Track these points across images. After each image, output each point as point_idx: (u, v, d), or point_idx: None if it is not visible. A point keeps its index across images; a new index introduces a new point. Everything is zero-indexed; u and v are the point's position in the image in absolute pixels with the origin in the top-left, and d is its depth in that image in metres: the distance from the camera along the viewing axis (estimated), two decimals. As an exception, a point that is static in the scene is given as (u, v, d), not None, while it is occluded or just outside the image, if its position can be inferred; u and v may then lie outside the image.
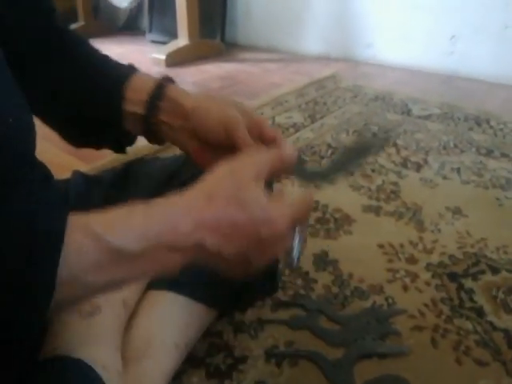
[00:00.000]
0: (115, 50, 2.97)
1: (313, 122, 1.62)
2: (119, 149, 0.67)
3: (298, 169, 0.58)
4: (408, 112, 1.67)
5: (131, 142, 0.67)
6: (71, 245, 0.37)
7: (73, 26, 3.40)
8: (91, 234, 0.39)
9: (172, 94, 0.60)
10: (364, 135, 0.59)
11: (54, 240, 0.36)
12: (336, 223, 1.04)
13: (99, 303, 0.58)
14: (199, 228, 0.42)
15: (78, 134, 0.66)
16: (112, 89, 0.61)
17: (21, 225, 0.35)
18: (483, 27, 2.05)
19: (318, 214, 1.07)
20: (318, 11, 2.55)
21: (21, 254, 0.35)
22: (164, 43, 3.03)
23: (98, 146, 0.68)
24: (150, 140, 0.63)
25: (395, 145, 1.41)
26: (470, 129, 1.52)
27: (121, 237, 0.40)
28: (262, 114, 1.71)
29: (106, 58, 0.67)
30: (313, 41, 2.65)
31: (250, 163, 0.48)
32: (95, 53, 0.67)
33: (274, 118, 1.67)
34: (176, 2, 2.54)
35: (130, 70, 0.63)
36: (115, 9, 3.17)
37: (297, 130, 1.56)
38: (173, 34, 2.85)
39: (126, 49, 3.02)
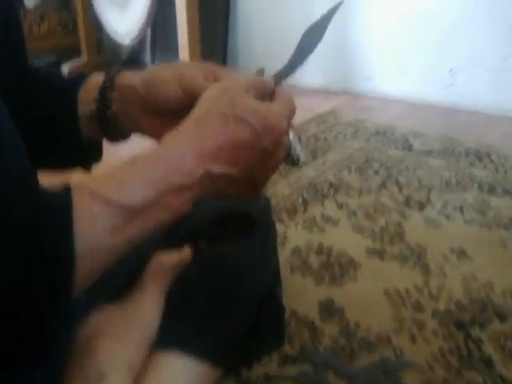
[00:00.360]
0: (117, 85, 3.00)
1: (314, 159, 1.63)
2: (86, 164, 0.66)
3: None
4: (409, 147, 1.68)
5: (97, 155, 0.66)
6: (82, 215, 0.37)
7: (75, 62, 3.45)
8: (99, 198, 0.39)
9: (122, 81, 0.60)
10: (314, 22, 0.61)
11: (64, 213, 0.36)
12: (341, 268, 1.03)
13: (105, 370, 0.58)
14: (203, 160, 0.42)
15: (42, 154, 0.66)
16: (66, 97, 0.62)
17: (27, 204, 0.35)
18: (482, 59, 2.07)
19: (323, 258, 1.07)
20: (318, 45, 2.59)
21: (32, 233, 0.34)
22: (165, 77, 3.07)
23: (65, 162, 0.67)
24: (110, 138, 0.63)
25: (397, 182, 1.41)
26: (472, 164, 1.53)
27: (128, 193, 0.40)
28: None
29: (57, 76, 0.68)
30: (312, 73, 2.68)
31: (237, 80, 0.49)
32: (54, 75, 0.68)
33: (275, 154, 1.68)
34: (178, 38, 2.58)
35: (85, 76, 0.64)
36: (118, 44, 3.22)
37: (298, 168, 1.56)
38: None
39: (128, 84, 3.05)
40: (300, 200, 1.34)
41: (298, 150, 0.50)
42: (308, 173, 1.52)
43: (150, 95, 0.58)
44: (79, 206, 0.37)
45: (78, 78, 0.65)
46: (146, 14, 2.76)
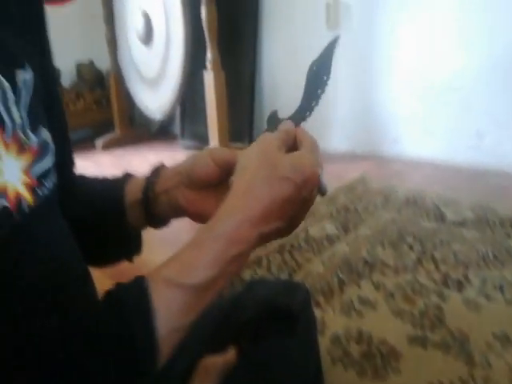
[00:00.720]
0: (150, 157, 3.12)
1: (346, 233, 1.64)
2: (130, 256, 0.71)
3: (271, 121, 0.61)
4: (442, 217, 1.68)
5: (139, 246, 0.71)
6: (159, 302, 0.42)
7: (109, 136, 3.60)
8: (171, 283, 0.44)
9: (167, 175, 0.65)
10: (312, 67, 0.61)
11: (144, 305, 0.42)
12: (383, 359, 1.02)
13: None
14: (256, 226, 0.47)
15: (91, 253, 0.70)
16: (113, 194, 0.67)
17: (111, 308, 0.41)
18: (508, 121, 2.08)
19: (363, 347, 1.06)
20: (343, 109, 2.65)
21: (119, 332, 0.40)
22: (196, 148, 3.17)
23: (112, 257, 0.72)
24: (153, 224, 0.67)
25: (433, 259, 1.41)
26: (508, 235, 1.51)
27: (196, 274, 0.45)
28: (296, 225, 1.74)
29: (103, 179, 0.73)
30: (338, 139, 2.73)
31: (267, 141, 0.52)
32: (95, 180, 0.73)
33: (307, 229, 1.70)
34: (207, 110, 2.69)
35: (127, 176, 0.69)
36: (149, 119, 3.35)
37: (331, 243, 1.57)
38: (204, 140, 2.98)
39: (160, 156, 3.15)
40: (335, 280, 1.34)
41: (324, 181, 0.53)
42: (341, 248, 1.53)
43: (187, 173, 0.63)
44: (155, 294, 0.43)
45: (122, 180, 0.70)
46: (177, 91, 2.88)
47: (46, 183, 0.48)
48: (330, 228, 1.69)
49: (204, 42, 2.62)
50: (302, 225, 1.64)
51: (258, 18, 3.01)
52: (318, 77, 0.61)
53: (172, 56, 2.89)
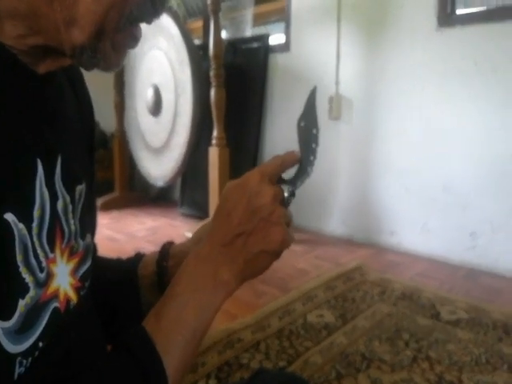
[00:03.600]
0: (148, 223, 3.16)
1: (344, 324, 1.67)
2: None
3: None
4: (437, 316, 1.73)
5: None
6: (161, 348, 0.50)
7: (108, 197, 3.66)
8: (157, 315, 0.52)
9: (175, 250, 0.72)
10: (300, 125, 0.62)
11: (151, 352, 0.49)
12: None
13: None
14: (213, 241, 0.54)
15: (108, 327, 0.73)
16: (128, 276, 0.73)
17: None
18: (502, 225, 2.18)
19: None
20: (342, 196, 2.75)
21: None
22: (194, 216, 3.23)
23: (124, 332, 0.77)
24: None
25: (428, 358, 1.44)
26: (500, 339, 1.56)
27: (174, 295, 0.53)
28: (294, 309, 1.78)
29: (117, 260, 0.79)
30: (336, 223, 2.81)
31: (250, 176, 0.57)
32: (108, 260, 0.79)
33: (305, 315, 1.74)
34: (209, 185, 2.77)
35: (138, 256, 0.76)
36: (150, 184, 3.43)
37: (329, 333, 1.61)
38: (203, 209, 3.04)
39: (159, 222, 3.20)
40: (333, 373, 1.37)
41: (288, 187, 0.58)
42: (339, 339, 1.56)
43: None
44: (150, 329, 0.51)
45: (135, 258, 0.77)
46: (181, 162, 2.98)
47: (86, 283, 0.55)
48: (328, 316, 1.73)
49: (209, 116, 2.74)
50: (300, 310, 1.67)
51: (264, 101, 3.17)
52: (307, 132, 0.63)
53: (178, 129, 3.02)
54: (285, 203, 0.57)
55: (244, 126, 3.20)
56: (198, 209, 3.27)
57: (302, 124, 0.64)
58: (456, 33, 2.30)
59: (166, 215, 3.43)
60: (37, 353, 0.44)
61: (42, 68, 0.48)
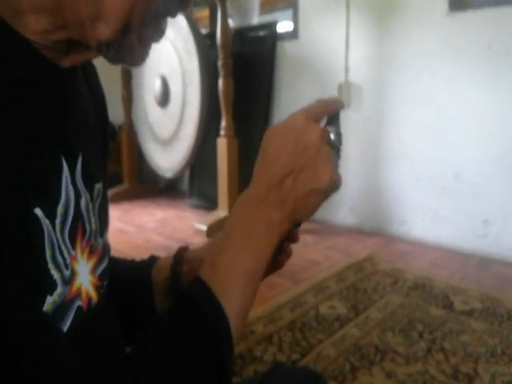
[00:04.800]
0: (158, 214, 3.16)
1: (357, 315, 1.67)
2: None
3: None
4: (450, 306, 1.72)
5: None
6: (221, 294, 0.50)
7: (117, 189, 3.66)
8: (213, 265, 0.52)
9: (190, 256, 0.72)
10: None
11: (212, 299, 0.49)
12: None
13: None
14: (262, 182, 0.53)
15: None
16: (142, 280, 0.72)
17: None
18: (514, 214, 2.16)
19: None
20: (352, 185, 2.73)
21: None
22: (203, 207, 3.22)
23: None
24: None
25: (443, 349, 1.43)
26: (515, 330, 1.55)
27: (226, 246, 0.53)
28: (306, 301, 1.78)
29: (130, 261, 0.79)
30: (346, 212, 2.80)
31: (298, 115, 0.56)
32: (122, 261, 0.79)
33: (317, 307, 1.73)
34: (218, 176, 2.76)
35: (152, 260, 0.75)
36: (158, 175, 3.43)
37: (342, 325, 1.60)
38: (211, 200, 3.04)
39: (168, 214, 3.20)
40: (347, 365, 1.37)
41: (335, 129, 0.57)
42: (352, 331, 1.55)
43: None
44: (215, 288, 0.50)
45: (149, 261, 0.76)
46: (189, 154, 2.97)
47: (104, 282, 0.55)
48: (340, 307, 1.72)
49: (217, 106, 2.73)
50: (312, 301, 1.66)
51: (271, 90, 3.14)
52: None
53: (187, 120, 3.00)
54: (332, 144, 0.56)
55: (252, 115, 3.18)
56: (206, 200, 3.26)
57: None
58: (468, 17, 2.26)
59: (174, 206, 3.42)
60: None
61: (67, 62, 0.47)
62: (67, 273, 0.44)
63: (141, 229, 2.83)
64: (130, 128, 3.70)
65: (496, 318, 1.62)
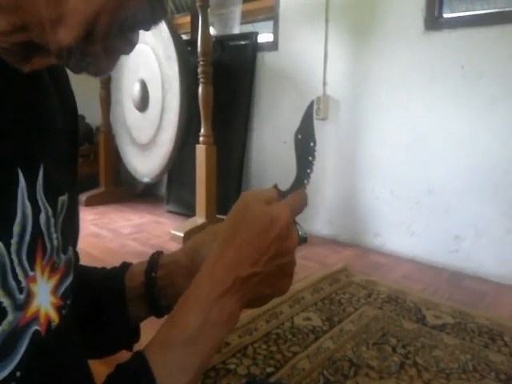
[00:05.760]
0: (134, 220, 3.13)
1: (331, 327, 1.67)
2: (129, 347, 0.74)
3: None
4: (423, 320, 1.74)
5: (137, 335, 0.75)
6: (159, 368, 0.48)
7: (93, 192, 3.61)
8: (164, 346, 0.50)
9: (165, 260, 0.71)
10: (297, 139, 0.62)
11: (146, 377, 0.47)
12: None
13: None
14: (230, 267, 0.52)
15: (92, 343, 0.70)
16: (114, 287, 0.71)
17: None
18: (486, 230, 2.20)
19: None
20: (328, 195, 2.75)
21: None
22: (180, 214, 3.21)
23: (111, 346, 0.75)
24: (156, 314, 0.72)
25: (416, 364, 1.45)
26: (485, 346, 1.57)
27: (184, 328, 0.50)
28: (281, 312, 1.78)
29: (101, 269, 0.77)
30: (322, 223, 2.82)
31: (247, 194, 0.57)
32: (92, 269, 0.77)
33: (293, 318, 1.74)
34: (196, 183, 2.74)
35: (124, 266, 0.74)
36: (135, 179, 3.39)
37: (317, 337, 1.61)
38: (189, 207, 3.02)
39: (145, 219, 3.17)
40: (322, 379, 1.37)
41: (302, 230, 0.57)
42: (326, 343, 1.56)
43: (193, 262, 0.68)
44: (154, 363, 0.48)
45: (121, 268, 0.75)
46: (167, 159, 2.95)
47: (67, 301, 0.51)
48: (316, 319, 1.73)
49: (197, 113, 2.72)
50: (287, 312, 1.67)
51: (251, 99, 3.15)
52: (304, 145, 0.63)
53: (165, 126, 2.98)
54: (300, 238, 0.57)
55: (231, 123, 3.18)
56: (184, 207, 3.25)
57: (300, 137, 0.63)
58: (443, 37, 2.31)
59: (151, 212, 3.39)
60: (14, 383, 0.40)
61: (28, 67, 0.45)
62: (21, 297, 0.41)
63: (116, 234, 2.80)
64: (108, 130, 3.66)
65: (467, 334, 1.65)
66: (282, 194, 0.59)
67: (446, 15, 2.39)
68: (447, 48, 2.29)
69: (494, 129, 2.15)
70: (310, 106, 0.65)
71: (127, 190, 3.84)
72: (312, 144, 0.63)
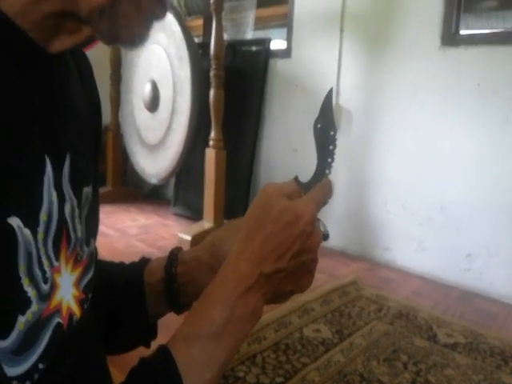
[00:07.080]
0: (141, 220, 3.11)
1: (341, 340, 1.65)
2: (147, 343, 0.72)
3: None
4: (434, 338, 1.71)
5: (155, 332, 0.73)
6: (184, 362, 0.46)
7: (100, 190, 3.57)
8: (190, 339, 0.48)
9: (185, 256, 0.70)
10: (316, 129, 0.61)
11: (171, 372, 0.46)
12: None
13: None
14: (254, 263, 0.50)
15: (112, 338, 0.70)
16: (133, 283, 0.70)
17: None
18: (498, 250, 2.17)
19: None
20: (339, 207, 2.72)
21: None
22: (187, 217, 3.18)
23: (129, 342, 0.73)
24: (176, 311, 0.71)
25: (427, 382, 1.42)
26: (498, 367, 1.54)
27: (209, 322, 0.49)
28: (290, 322, 1.75)
29: (120, 264, 0.76)
30: (331, 234, 2.77)
31: (268, 188, 0.56)
32: (110, 263, 0.76)
33: (302, 329, 1.71)
34: (205, 186, 2.72)
35: (144, 261, 0.73)
36: (143, 180, 3.37)
37: (327, 349, 1.58)
38: (196, 210, 3.00)
39: (151, 221, 3.15)
40: (332, 393, 1.35)
41: (325, 227, 0.59)
42: (336, 356, 1.53)
43: (215, 258, 0.67)
44: (179, 357, 0.46)
45: (140, 263, 0.73)
46: (176, 161, 2.93)
47: (89, 295, 0.51)
48: (325, 331, 1.70)
49: (207, 116, 2.70)
50: (296, 323, 1.65)
51: (262, 105, 3.14)
52: (324, 134, 0.63)
53: (175, 127, 2.97)
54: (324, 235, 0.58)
55: (241, 128, 3.16)
56: (191, 210, 3.22)
57: (319, 126, 0.62)
58: (459, 53, 2.29)
59: (158, 213, 3.37)
60: (36, 376, 0.39)
61: (56, 45, 0.42)
62: (46, 287, 0.39)
63: (122, 233, 2.77)
64: (117, 129, 3.64)
65: (479, 354, 1.62)
66: (304, 186, 0.60)
67: (462, 32, 2.38)
68: (463, 64, 2.27)
69: (507, 148, 2.13)
70: (329, 93, 0.64)
71: (134, 191, 3.82)
72: (332, 133, 0.62)
